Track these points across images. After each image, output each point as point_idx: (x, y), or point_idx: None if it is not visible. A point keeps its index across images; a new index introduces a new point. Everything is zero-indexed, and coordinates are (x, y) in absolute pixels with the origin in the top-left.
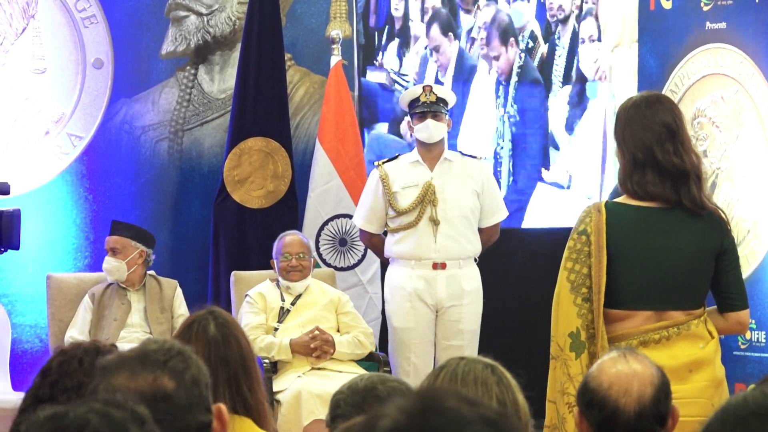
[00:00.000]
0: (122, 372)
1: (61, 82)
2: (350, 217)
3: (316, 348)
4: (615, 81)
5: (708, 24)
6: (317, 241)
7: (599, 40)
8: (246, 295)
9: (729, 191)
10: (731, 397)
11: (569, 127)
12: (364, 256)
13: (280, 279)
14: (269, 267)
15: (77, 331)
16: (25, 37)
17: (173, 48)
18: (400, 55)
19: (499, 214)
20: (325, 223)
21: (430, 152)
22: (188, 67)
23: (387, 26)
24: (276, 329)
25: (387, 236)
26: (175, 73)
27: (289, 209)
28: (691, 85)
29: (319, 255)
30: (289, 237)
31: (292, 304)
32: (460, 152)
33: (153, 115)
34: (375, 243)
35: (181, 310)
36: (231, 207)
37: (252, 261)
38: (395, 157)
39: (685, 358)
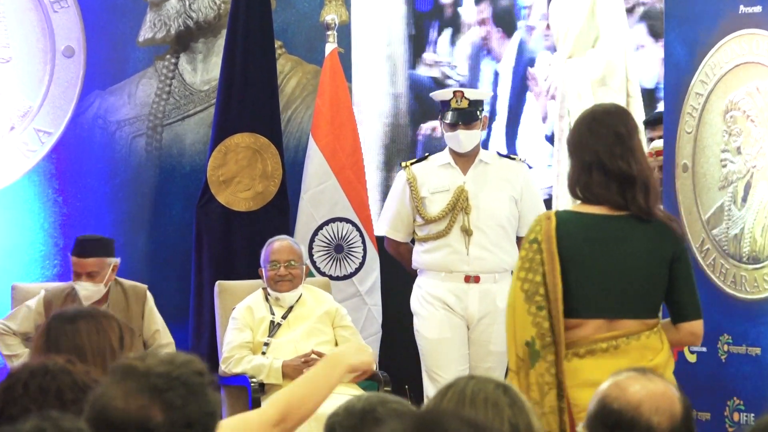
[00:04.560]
0: (122, 386)
1: (27, 73)
2: (347, 220)
3: None
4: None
5: (742, 8)
6: (310, 248)
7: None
8: (233, 309)
9: (766, 191)
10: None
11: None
12: (362, 264)
13: (268, 290)
14: (257, 276)
15: (15, 325)
16: None
17: (152, 35)
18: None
19: None
20: (320, 227)
21: (464, 154)
22: (168, 56)
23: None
24: (267, 344)
25: (414, 245)
26: (154, 62)
27: (279, 212)
28: (723, 75)
29: (313, 263)
30: (278, 243)
31: (284, 317)
32: (498, 153)
33: (129, 108)
34: (402, 252)
35: (157, 326)
36: (215, 210)
37: (238, 269)
38: (424, 158)
39: None
